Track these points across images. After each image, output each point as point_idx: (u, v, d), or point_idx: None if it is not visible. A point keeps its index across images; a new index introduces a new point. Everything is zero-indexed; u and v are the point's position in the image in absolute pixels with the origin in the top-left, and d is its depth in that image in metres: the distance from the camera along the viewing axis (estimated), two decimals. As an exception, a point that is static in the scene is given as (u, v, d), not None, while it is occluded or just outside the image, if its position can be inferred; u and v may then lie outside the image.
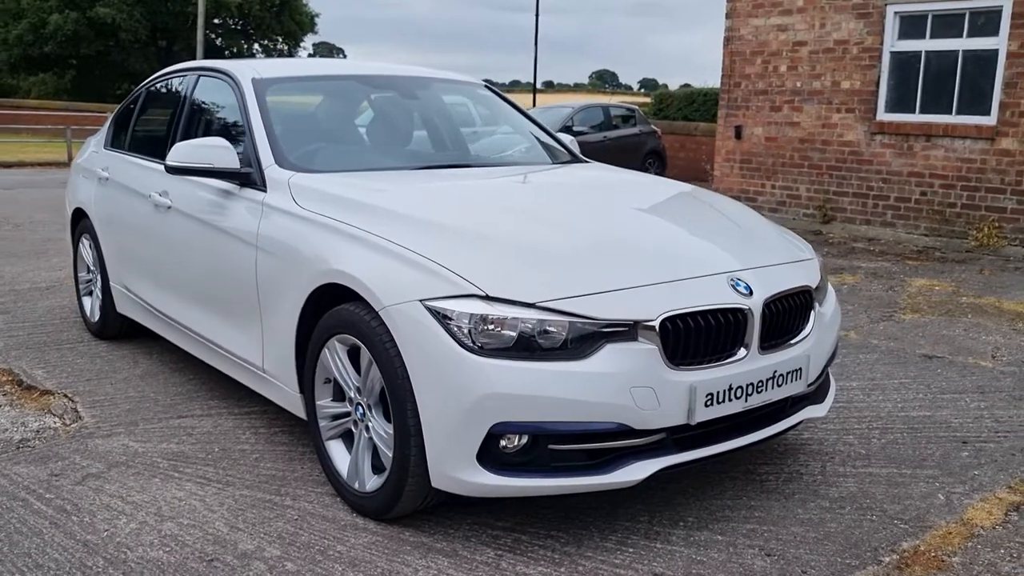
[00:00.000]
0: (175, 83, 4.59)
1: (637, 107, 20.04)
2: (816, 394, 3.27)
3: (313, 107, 4.10)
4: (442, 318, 2.57)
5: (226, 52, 45.71)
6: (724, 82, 11.07)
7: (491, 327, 2.54)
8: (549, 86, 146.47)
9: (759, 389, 2.83)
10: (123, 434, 3.67)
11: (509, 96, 4.53)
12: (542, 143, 4.41)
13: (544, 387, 2.53)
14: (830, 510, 3.06)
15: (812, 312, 3.10)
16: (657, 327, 2.61)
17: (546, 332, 2.56)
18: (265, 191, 3.43)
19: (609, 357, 2.58)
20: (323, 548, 2.74)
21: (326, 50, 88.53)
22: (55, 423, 3.80)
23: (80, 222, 5.14)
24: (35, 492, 3.10)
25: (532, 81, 32.03)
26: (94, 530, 2.83)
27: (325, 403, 3.10)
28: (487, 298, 2.58)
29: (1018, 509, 3.08)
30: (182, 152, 3.51)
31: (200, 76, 4.30)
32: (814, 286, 3.12)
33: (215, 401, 4.05)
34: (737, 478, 3.29)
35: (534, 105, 23.90)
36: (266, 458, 3.42)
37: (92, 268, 5.05)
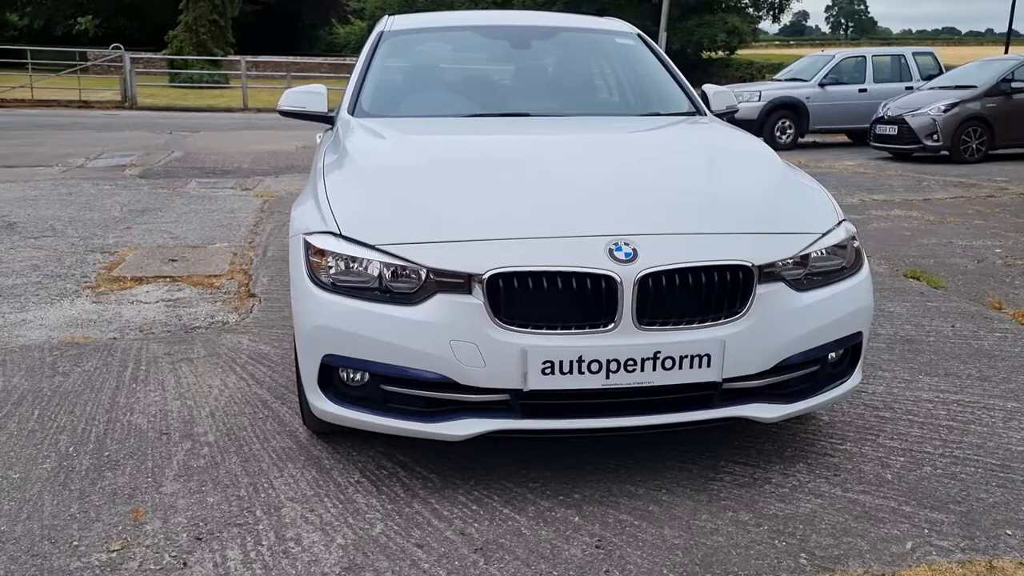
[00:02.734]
0: None
1: None
2: (781, 390, 2.78)
3: (433, 56, 4.38)
4: (305, 250, 2.77)
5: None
6: None
7: (329, 261, 2.68)
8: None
9: (628, 368, 2.54)
10: (245, 334, 4.43)
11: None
12: (658, 96, 4.16)
13: (370, 328, 2.61)
14: (743, 524, 2.62)
15: (751, 294, 2.63)
16: (485, 282, 2.51)
17: (379, 274, 2.62)
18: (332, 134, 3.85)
19: (436, 307, 2.56)
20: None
21: None
22: (229, 319, 4.70)
23: None
24: (136, 361, 3.97)
25: (1006, 30, 27.52)
26: (132, 396, 3.58)
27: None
28: (339, 236, 2.71)
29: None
30: (288, 98, 4.07)
31: None
32: (758, 263, 2.63)
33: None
34: (680, 466, 2.95)
35: (1006, 52, 20.56)
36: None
37: None
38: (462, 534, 2.56)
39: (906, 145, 13.34)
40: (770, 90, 15.85)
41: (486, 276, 2.51)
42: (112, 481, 2.85)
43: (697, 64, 44.89)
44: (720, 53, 48.46)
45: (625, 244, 2.57)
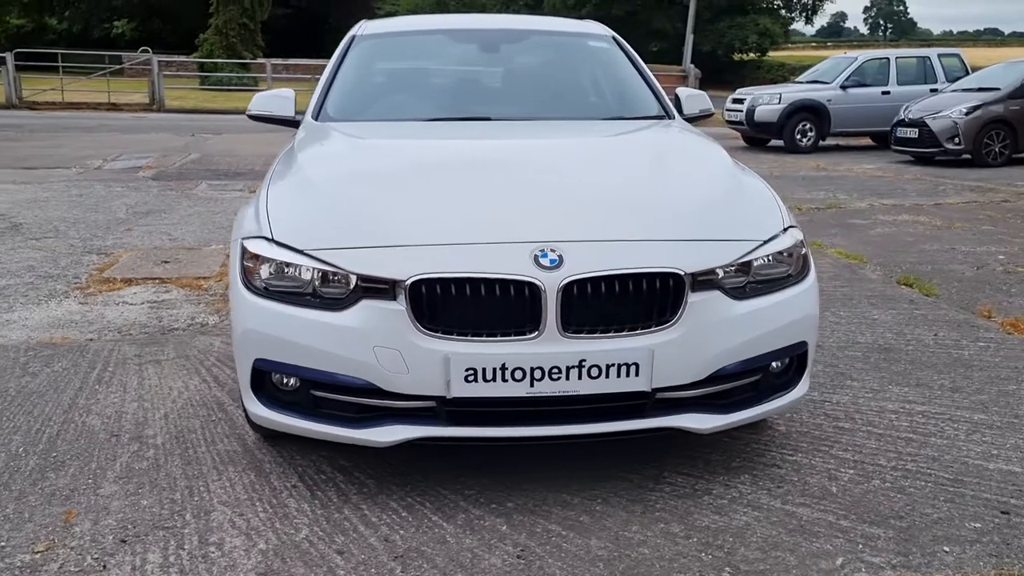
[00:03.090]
0: None
1: None
2: (719, 400, 2.74)
3: (401, 61, 4.38)
4: (241, 255, 2.78)
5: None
6: None
7: (259, 265, 2.69)
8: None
9: (553, 376, 2.51)
10: (220, 336, 4.45)
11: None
12: (626, 99, 4.12)
13: (298, 333, 2.61)
14: (672, 536, 2.58)
15: (682, 302, 2.59)
16: (407, 288, 2.50)
17: (311, 280, 2.61)
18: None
19: (361, 313, 2.55)
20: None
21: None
22: (209, 321, 4.74)
23: None
24: (106, 363, 4.01)
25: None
26: (92, 397, 3.61)
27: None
28: (271, 241, 2.72)
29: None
30: (256, 101, 4.10)
31: None
32: (690, 271, 2.59)
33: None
34: (621, 476, 2.91)
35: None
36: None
37: None
38: (386, 541, 2.55)
39: (927, 148, 13.13)
40: (791, 92, 15.68)
41: (408, 282, 2.49)
42: (53, 482, 2.87)
43: (728, 66, 44.61)
44: (751, 55, 48.09)
45: (552, 251, 2.54)
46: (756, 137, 16.31)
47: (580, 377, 2.53)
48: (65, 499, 2.77)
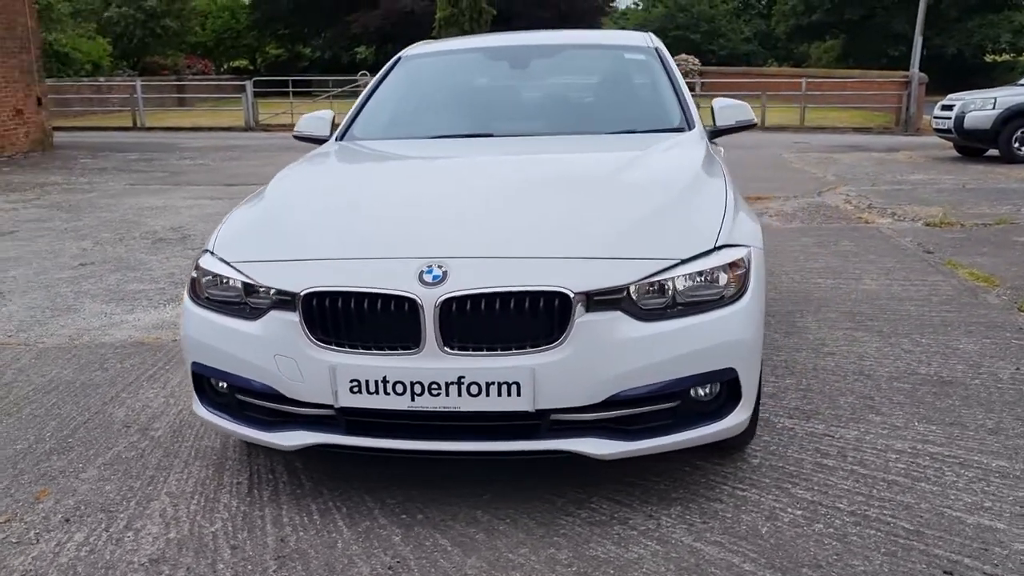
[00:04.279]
0: None
1: None
2: (626, 426, 2.63)
3: (432, 80, 4.49)
4: (195, 266, 3.02)
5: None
6: None
7: (202, 276, 2.91)
8: None
9: (432, 391, 2.53)
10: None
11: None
12: (645, 112, 3.99)
13: (220, 340, 2.80)
14: (554, 562, 2.51)
15: (569, 322, 2.51)
16: (300, 300, 2.61)
17: (241, 290, 2.79)
18: None
19: (268, 323, 2.70)
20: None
21: None
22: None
23: None
24: (167, 361, 4.44)
25: None
26: (134, 392, 4.03)
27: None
28: (212, 253, 2.94)
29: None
30: (301, 123, 4.39)
31: None
32: (579, 290, 2.51)
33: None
34: (546, 497, 2.85)
35: None
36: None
37: None
38: (281, 541, 2.68)
39: None
40: (1007, 96, 14.13)
41: (302, 294, 2.61)
42: (50, 464, 3.26)
43: (978, 68, 40.91)
44: (1005, 56, 43.76)
45: (439, 267, 2.56)
46: (969, 146, 14.86)
47: (460, 394, 2.53)
48: (49, 480, 3.13)
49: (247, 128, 24.19)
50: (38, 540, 2.72)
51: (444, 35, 34.11)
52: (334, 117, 4.31)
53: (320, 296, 2.60)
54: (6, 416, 3.72)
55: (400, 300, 2.54)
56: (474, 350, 2.53)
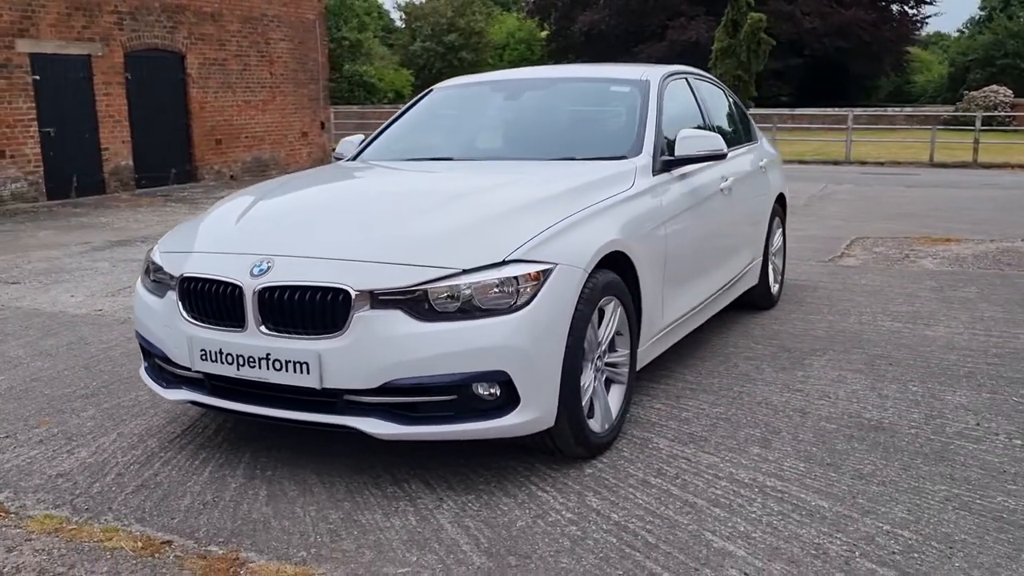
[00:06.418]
0: None
1: None
2: (409, 412, 3.01)
3: (444, 109, 4.96)
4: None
5: None
6: None
7: (145, 263, 3.67)
8: None
9: (251, 364, 3.08)
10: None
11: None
12: (599, 141, 4.22)
13: (143, 313, 3.55)
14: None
15: (349, 315, 2.94)
16: (178, 282, 3.28)
17: (165, 275, 3.50)
18: None
19: (165, 300, 3.39)
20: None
21: None
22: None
23: None
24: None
25: None
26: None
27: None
28: (157, 246, 3.69)
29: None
30: (339, 145, 5.08)
31: None
32: (359, 288, 2.94)
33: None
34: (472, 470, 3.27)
35: None
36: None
37: None
38: (120, 476, 3.35)
39: None
40: None
41: (179, 277, 3.28)
42: (73, 404, 4.18)
43: None
44: None
45: (268, 263, 3.11)
46: None
47: (269, 368, 3.06)
48: (59, 413, 4.06)
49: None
50: (2, 451, 3.62)
51: (719, 66, 33.96)
52: (361, 140, 4.93)
53: (189, 280, 3.26)
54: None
55: (230, 287, 3.12)
56: (283, 332, 3.04)
